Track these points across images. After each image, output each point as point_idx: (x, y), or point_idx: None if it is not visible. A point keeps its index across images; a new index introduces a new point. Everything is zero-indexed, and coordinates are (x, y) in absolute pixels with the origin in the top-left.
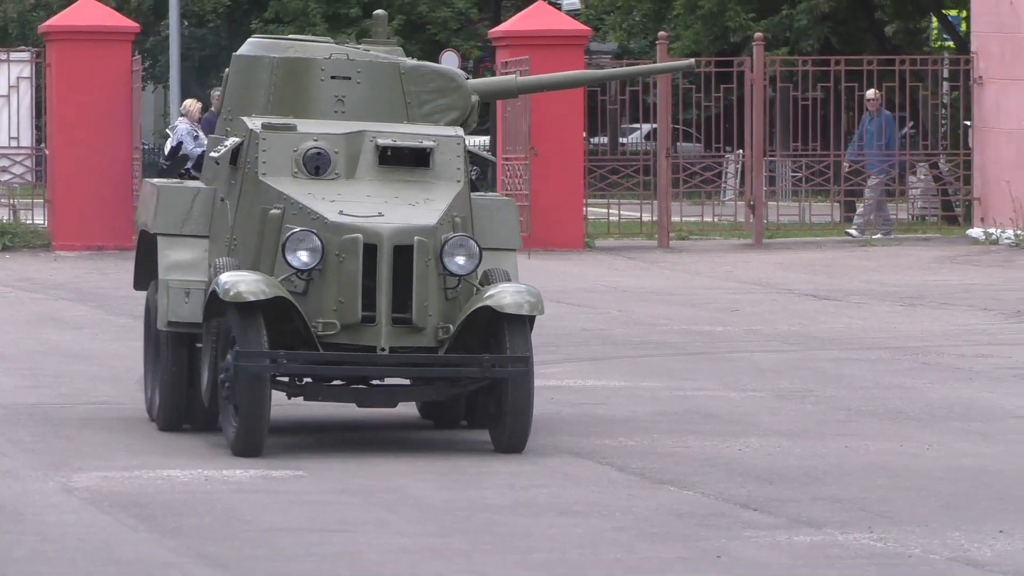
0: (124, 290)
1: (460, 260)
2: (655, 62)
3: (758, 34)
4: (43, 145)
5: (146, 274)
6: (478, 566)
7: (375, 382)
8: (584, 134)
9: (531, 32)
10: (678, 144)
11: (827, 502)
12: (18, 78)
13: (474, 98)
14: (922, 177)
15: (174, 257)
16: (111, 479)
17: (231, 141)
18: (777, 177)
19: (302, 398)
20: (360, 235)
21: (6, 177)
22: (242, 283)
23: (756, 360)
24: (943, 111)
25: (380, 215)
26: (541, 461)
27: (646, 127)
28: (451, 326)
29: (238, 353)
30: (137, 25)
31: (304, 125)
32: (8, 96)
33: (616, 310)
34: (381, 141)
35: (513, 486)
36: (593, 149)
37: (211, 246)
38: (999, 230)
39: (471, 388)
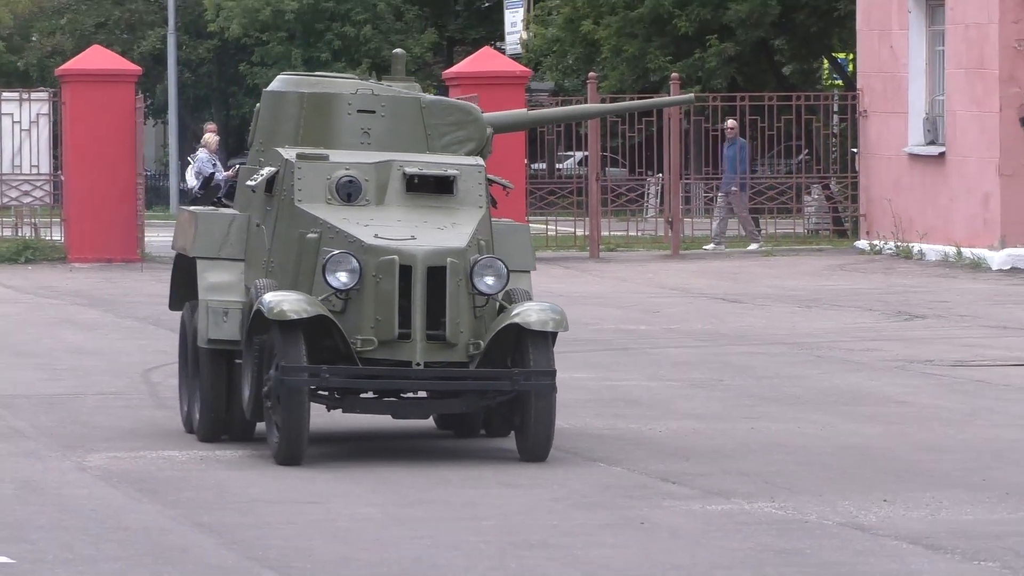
0: (130, 296)
1: (489, 280)
2: (587, 100)
3: (674, 74)
4: (59, 172)
5: (181, 295)
6: (434, 531)
7: (408, 395)
8: (525, 161)
9: (479, 73)
10: (607, 169)
11: (735, 476)
12: (38, 114)
13: (489, 130)
14: (816, 197)
15: (212, 279)
16: (119, 459)
17: (267, 170)
18: (692, 197)
19: (340, 410)
20: (396, 257)
21: (28, 199)
22: (285, 302)
23: (674, 354)
24: (833, 140)
25: (413, 238)
26: (489, 443)
27: (579, 154)
28: (481, 342)
29: (282, 368)
30: (140, 68)
31: (336, 155)
32: (29, 130)
33: None
34: (408, 170)
35: (464, 463)
36: (533, 174)
37: (247, 269)
38: (882, 242)
39: (498, 400)
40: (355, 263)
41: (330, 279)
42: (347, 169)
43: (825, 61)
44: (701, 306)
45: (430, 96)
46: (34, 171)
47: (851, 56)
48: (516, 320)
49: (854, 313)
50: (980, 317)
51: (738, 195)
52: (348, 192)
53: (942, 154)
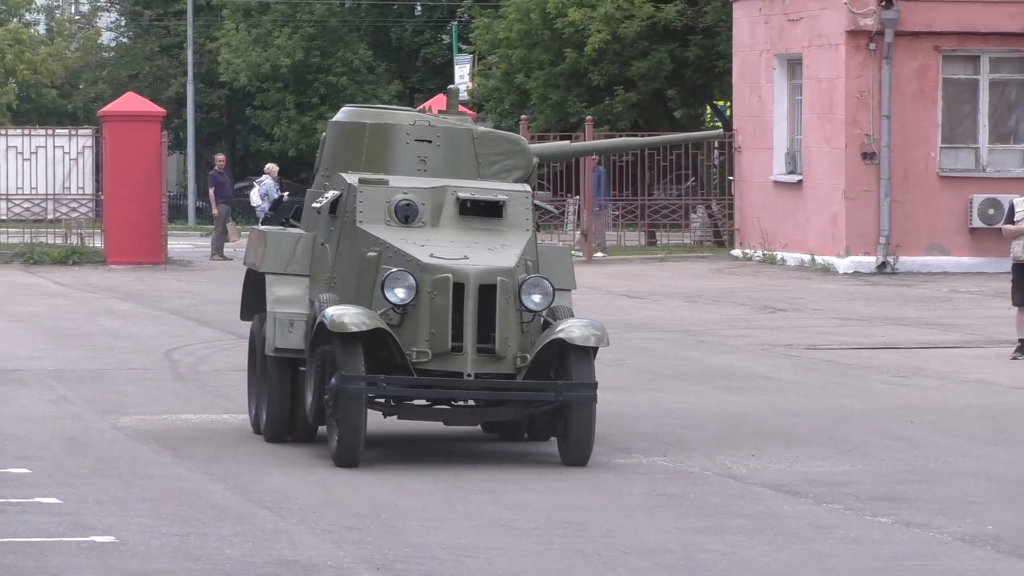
0: (156, 291)
1: (536, 298)
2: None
3: (589, 117)
4: (100, 192)
5: (251, 306)
6: (391, 480)
7: (459, 403)
8: None
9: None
10: (535, 191)
11: (635, 436)
12: (83, 147)
13: (535, 160)
14: (700, 215)
15: (280, 293)
16: (146, 421)
17: (331, 193)
18: (602, 214)
19: (396, 416)
20: (450, 275)
21: (75, 214)
22: (346, 315)
23: None
24: (714, 170)
25: (466, 258)
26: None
27: None
28: (527, 355)
29: (343, 377)
30: (164, 111)
31: (395, 180)
32: (76, 159)
33: None
34: (461, 194)
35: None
36: None
37: (311, 284)
38: (752, 251)
39: (541, 409)
40: (412, 280)
41: (388, 295)
42: (405, 193)
43: (708, 107)
44: (609, 301)
45: (482, 128)
46: (80, 192)
47: (728, 103)
48: (560, 335)
49: (729, 307)
50: (829, 311)
51: (599, 212)
52: (406, 214)
53: (800, 181)
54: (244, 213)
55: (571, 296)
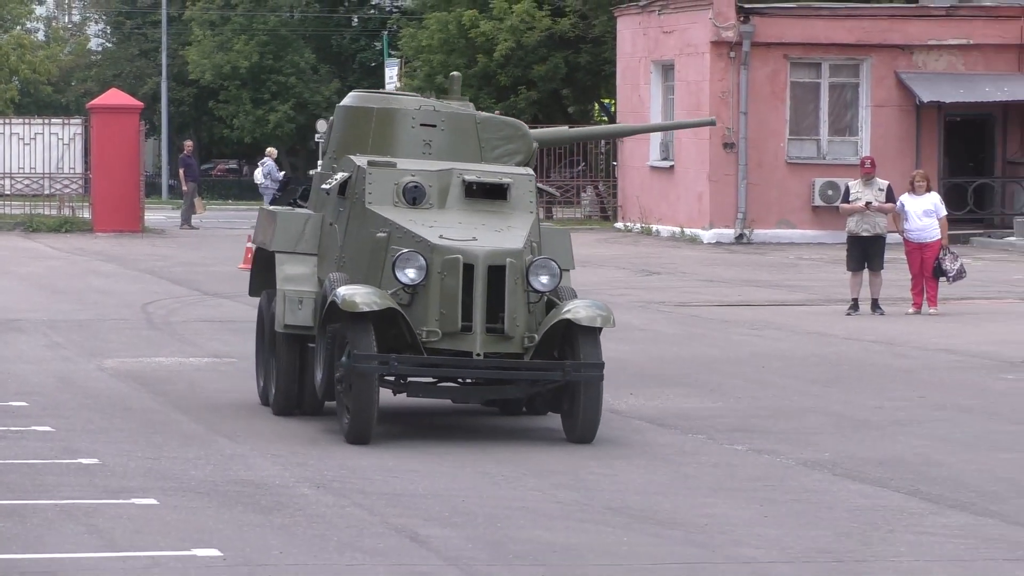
0: (134, 255)
1: (544, 279)
2: None
3: (497, 111)
4: (88, 172)
5: (259, 283)
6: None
7: (468, 381)
8: None
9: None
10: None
11: None
12: (75, 134)
13: (535, 144)
14: (589, 194)
15: (289, 271)
16: (126, 363)
17: (340, 175)
18: None
19: (405, 394)
20: (460, 256)
21: (67, 190)
22: (357, 295)
23: None
24: (601, 156)
25: (474, 239)
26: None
27: None
28: (535, 335)
29: (355, 356)
30: (142, 104)
31: (402, 163)
32: (69, 144)
33: None
34: (467, 177)
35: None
36: None
37: (320, 263)
38: (632, 224)
39: (547, 388)
40: (422, 261)
41: (399, 275)
42: (413, 175)
43: (596, 104)
44: None
45: (484, 113)
46: (71, 171)
47: (613, 101)
48: (567, 316)
49: (613, 270)
50: (695, 274)
51: None
52: (414, 196)
53: (672, 167)
54: (209, 190)
55: (570, 276)
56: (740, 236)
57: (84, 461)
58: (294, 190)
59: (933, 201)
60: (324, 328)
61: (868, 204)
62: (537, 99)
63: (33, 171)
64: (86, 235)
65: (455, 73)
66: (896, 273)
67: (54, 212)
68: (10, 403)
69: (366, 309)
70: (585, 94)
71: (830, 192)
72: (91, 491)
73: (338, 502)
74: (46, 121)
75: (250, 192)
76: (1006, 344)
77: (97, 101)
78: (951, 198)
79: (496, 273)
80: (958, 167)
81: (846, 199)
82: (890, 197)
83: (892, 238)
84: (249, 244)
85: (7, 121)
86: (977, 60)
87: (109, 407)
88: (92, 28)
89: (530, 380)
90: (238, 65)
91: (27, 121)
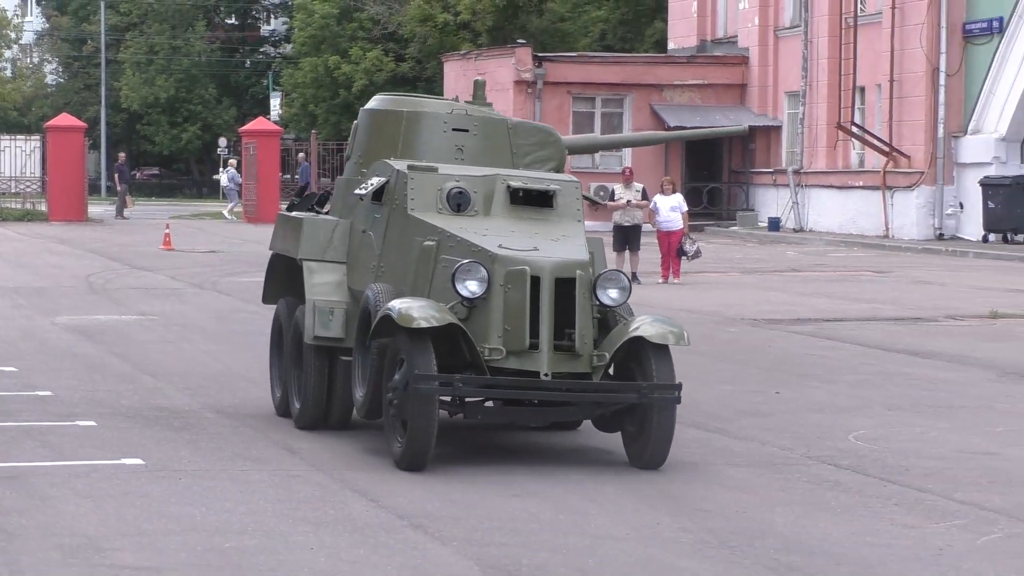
0: (81, 238)
1: (613, 293)
2: (309, 148)
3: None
4: (45, 175)
5: (275, 291)
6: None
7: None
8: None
9: (256, 130)
10: (321, 179)
11: None
12: (34, 148)
13: (566, 151)
14: None
15: (319, 280)
16: (74, 319)
17: (376, 180)
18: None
19: (462, 416)
20: (527, 268)
21: (29, 189)
22: (414, 309)
23: None
24: None
25: (536, 249)
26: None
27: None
28: (605, 354)
29: (416, 376)
30: (85, 125)
31: (443, 168)
32: (30, 155)
33: None
34: (513, 183)
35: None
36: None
37: (349, 271)
38: None
39: (613, 409)
40: (484, 272)
41: (460, 287)
42: (457, 181)
43: None
44: None
45: (515, 119)
46: (32, 175)
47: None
48: (638, 334)
49: None
50: None
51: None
52: (458, 202)
53: None
54: (136, 190)
55: None
56: None
57: (40, 393)
58: (311, 196)
59: (678, 199)
60: (363, 341)
61: (628, 202)
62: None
63: (2, 175)
64: (43, 223)
65: (479, 78)
66: (649, 253)
67: (18, 206)
68: None
69: (425, 325)
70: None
71: (601, 193)
72: (45, 415)
73: (232, 423)
74: (12, 137)
75: (168, 191)
76: (729, 306)
77: (51, 122)
78: (691, 198)
79: (562, 286)
80: (696, 174)
81: (612, 198)
82: (645, 196)
83: (647, 227)
84: (167, 230)
85: None
86: (710, 96)
87: (59, 353)
88: (48, 67)
89: (602, 402)
90: (159, 96)
91: None
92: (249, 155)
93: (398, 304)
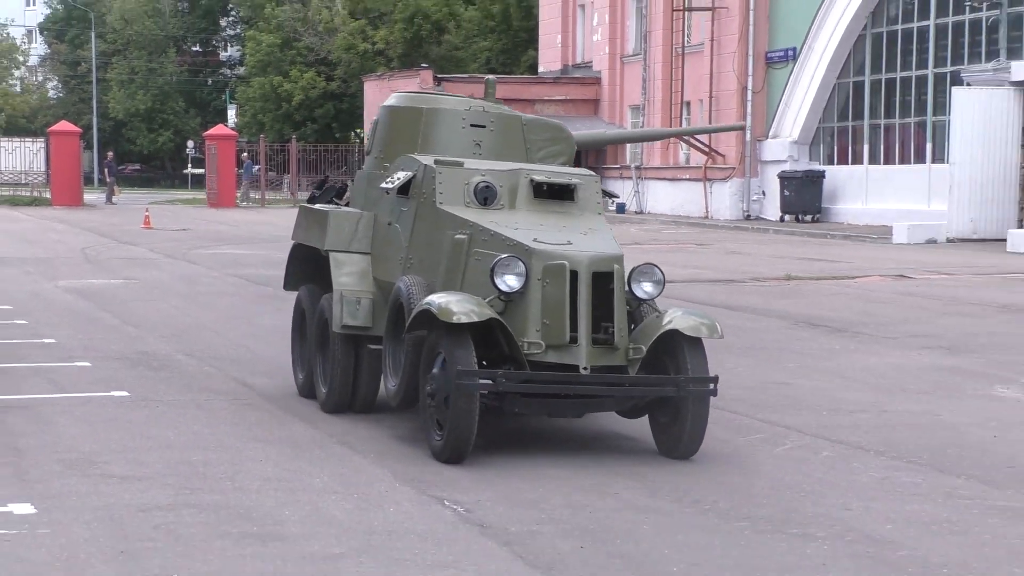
0: (78, 219)
1: (647, 286)
2: (259, 147)
3: (293, 136)
4: (48, 170)
5: (296, 278)
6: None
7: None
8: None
9: (216, 135)
10: (255, 169)
11: None
12: (39, 148)
13: (575, 146)
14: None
15: (346, 271)
16: (72, 283)
17: (402, 174)
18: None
19: (498, 408)
20: (566, 262)
21: (36, 180)
22: (454, 304)
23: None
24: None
25: (569, 243)
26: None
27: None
28: (641, 347)
29: (459, 372)
30: (81, 130)
31: (468, 162)
32: (37, 154)
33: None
34: (536, 177)
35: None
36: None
37: (373, 262)
38: None
39: (646, 400)
40: (523, 267)
41: (499, 282)
42: (483, 175)
43: (354, 134)
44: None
45: (529, 115)
46: (38, 169)
47: (363, 131)
48: (673, 327)
49: None
50: None
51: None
52: (485, 196)
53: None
54: (121, 181)
55: None
56: None
57: (45, 341)
58: (330, 189)
59: None
60: (395, 333)
61: None
62: (317, 129)
63: (15, 169)
64: (47, 207)
65: (490, 77)
66: None
67: (27, 194)
68: (2, 307)
69: (466, 320)
70: (345, 127)
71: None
72: (49, 358)
73: (198, 364)
74: (21, 140)
75: (147, 183)
76: None
77: (53, 128)
78: None
79: (599, 280)
80: None
81: None
82: None
83: None
84: (147, 213)
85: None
86: (571, 109)
87: (61, 309)
88: (49, 84)
89: (640, 395)
90: (139, 107)
91: (10, 139)
92: (211, 154)
93: (437, 299)
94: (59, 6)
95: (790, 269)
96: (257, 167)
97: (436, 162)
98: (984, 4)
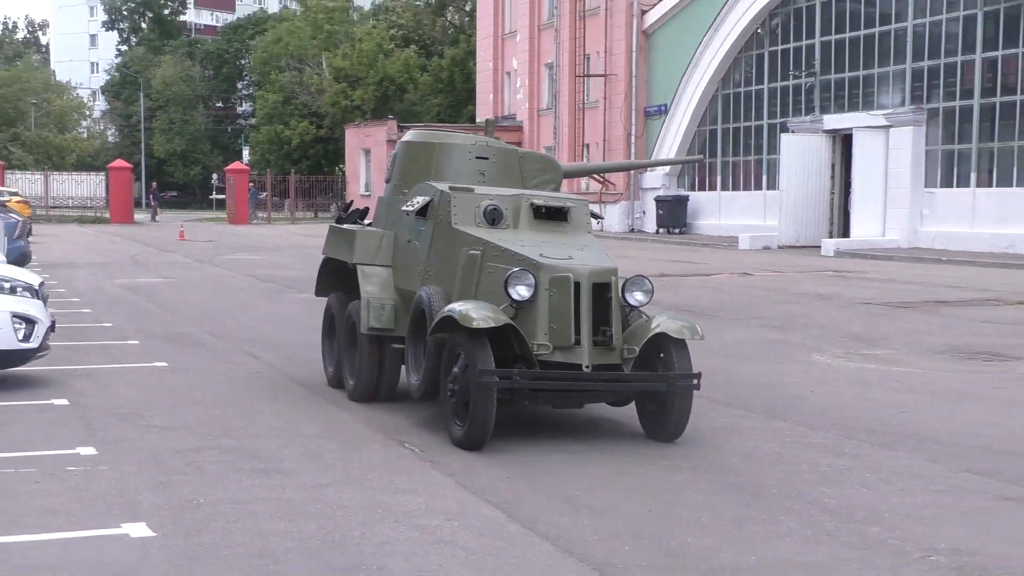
0: (132, 234)
1: (638, 295)
2: (267, 177)
3: (292, 171)
4: (108, 195)
5: (325, 287)
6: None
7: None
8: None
9: (234, 169)
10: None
11: None
12: (101, 180)
13: (562, 175)
14: (333, 212)
15: (372, 280)
16: (125, 281)
17: (420, 199)
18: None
19: (508, 401)
20: (570, 274)
21: (99, 203)
22: (473, 311)
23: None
24: (343, 192)
25: (570, 258)
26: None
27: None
28: (635, 348)
29: (480, 371)
30: (131, 165)
31: (477, 189)
32: (99, 184)
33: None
34: (536, 201)
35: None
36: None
37: (394, 273)
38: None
39: (638, 393)
40: (532, 279)
41: (512, 292)
42: (491, 199)
43: (337, 168)
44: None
45: (523, 149)
46: (100, 196)
47: (344, 167)
48: (661, 330)
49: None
50: None
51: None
52: (493, 217)
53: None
54: (163, 205)
55: None
56: None
57: (105, 324)
58: (354, 212)
59: None
60: (418, 334)
61: None
62: (310, 165)
63: (82, 196)
64: (106, 225)
65: (489, 118)
66: None
67: (92, 214)
68: (71, 300)
69: (484, 325)
70: (331, 163)
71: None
72: (108, 337)
73: (220, 342)
74: (88, 174)
75: (182, 206)
76: None
77: (112, 165)
78: None
79: (598, 290)
80: None
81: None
82: None
83: None
84: (182, 228)
85: (71, 174)
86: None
87: (117, 301)
88: (109, 131)
89: (635, 391)
90: (176, 149)
91: (79, 174)
92: (230, 184)
93: (458, 307)
94: (116, 73)
95: (664, 269)
96: (263, 194)
97: (451, 188)
98: (803, 73)
